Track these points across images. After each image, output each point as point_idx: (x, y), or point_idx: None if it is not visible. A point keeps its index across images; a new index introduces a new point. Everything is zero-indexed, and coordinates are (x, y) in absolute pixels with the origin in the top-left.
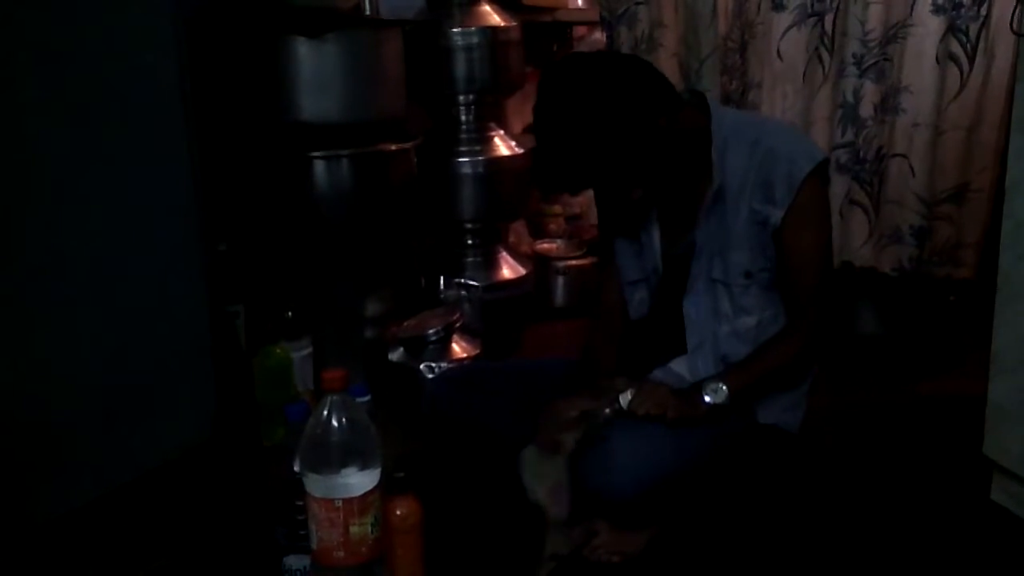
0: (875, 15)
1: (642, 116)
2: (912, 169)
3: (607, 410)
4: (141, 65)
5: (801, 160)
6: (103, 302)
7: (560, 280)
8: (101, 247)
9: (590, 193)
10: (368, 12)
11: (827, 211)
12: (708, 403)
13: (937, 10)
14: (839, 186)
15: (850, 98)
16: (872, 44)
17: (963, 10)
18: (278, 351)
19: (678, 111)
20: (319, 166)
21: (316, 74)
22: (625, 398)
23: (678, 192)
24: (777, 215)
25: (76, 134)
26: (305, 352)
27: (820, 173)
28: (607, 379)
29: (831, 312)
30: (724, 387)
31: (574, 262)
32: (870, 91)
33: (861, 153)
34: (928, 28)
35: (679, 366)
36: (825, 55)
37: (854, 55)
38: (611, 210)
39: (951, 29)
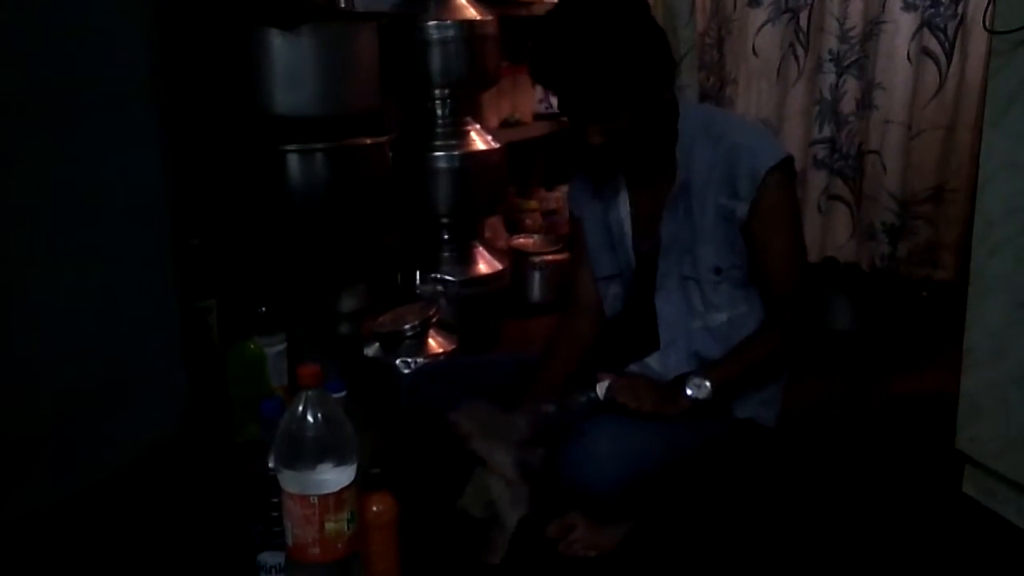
0: (855, 10)
1: (656, 63)
2: (884, 166)
3: (583, 399)
4: (112, 57)
5: (763, 155)
6: (72, 297)
7: (536, 275)
8: (70, 241)
9: (567, 189)
10: (343, 4)
11: (795, 207)
12: (691, 397)
13: (908, 7)
14: (817, 181)
15: (827, 94)
16: (854, 40)
17: (941, 8)
18: (251, 346)
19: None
20: (293, 160)
21: (290, 67)
22: (602, 387)
23: (645, 182)
24: (743, 208)
25: (45, 126)
26: (279, 348)
27: (784, 169)
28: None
29: (810, 308)
30: (707, 382)
31: (550, 257)
32: (852, 87)
33: (844, 149)
34: (899, 25)
35: (655, 361)
36: (800, 51)
37: (831, 51)
38: (577, 154)
39: (930, 28)
